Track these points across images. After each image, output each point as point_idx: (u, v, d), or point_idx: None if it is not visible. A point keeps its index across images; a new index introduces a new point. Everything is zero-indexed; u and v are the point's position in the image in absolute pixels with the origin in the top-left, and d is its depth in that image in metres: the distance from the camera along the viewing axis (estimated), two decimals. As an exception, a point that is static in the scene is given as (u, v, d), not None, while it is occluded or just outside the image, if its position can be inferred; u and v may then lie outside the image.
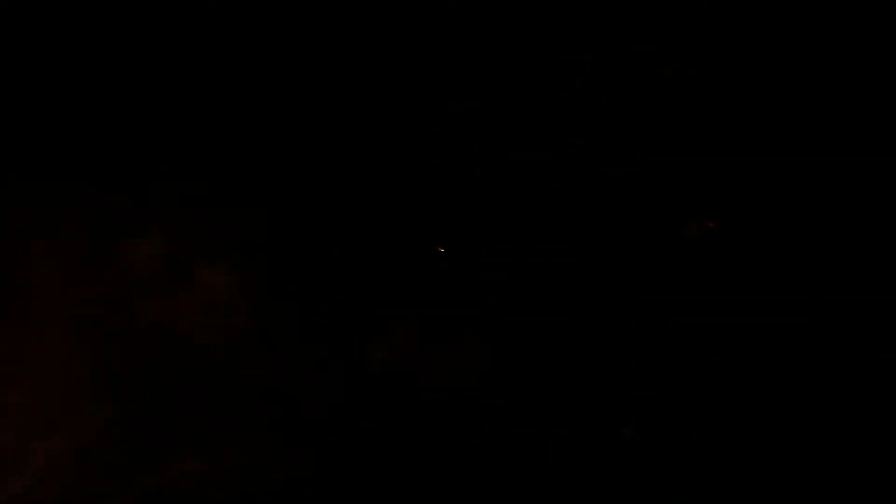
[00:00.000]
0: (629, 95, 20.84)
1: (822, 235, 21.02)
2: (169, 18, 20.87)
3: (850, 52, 20.59)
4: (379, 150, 22.26)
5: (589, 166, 21.98)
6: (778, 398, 19.92)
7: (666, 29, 20.53)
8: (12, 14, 20.05)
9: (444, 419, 22.70)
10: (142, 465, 22.07)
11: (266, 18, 21.69)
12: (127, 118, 22.07)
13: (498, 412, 22.40)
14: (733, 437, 20.77)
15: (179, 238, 23.06)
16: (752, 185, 22.12)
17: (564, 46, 21.03)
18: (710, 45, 20.59)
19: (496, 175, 22.52)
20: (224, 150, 22.60)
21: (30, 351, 22.16)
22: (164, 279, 22.47)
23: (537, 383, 22.20)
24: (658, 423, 21.43)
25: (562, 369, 21.98)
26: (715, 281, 21.14)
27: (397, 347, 22.46)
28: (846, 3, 19.59)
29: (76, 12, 20.51)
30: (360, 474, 23.08)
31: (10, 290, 21.50)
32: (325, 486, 23.13)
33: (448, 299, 22.65)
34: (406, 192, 22.73)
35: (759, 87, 21.70)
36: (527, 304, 22.51)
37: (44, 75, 21.41)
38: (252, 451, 22.60)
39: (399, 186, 22.39)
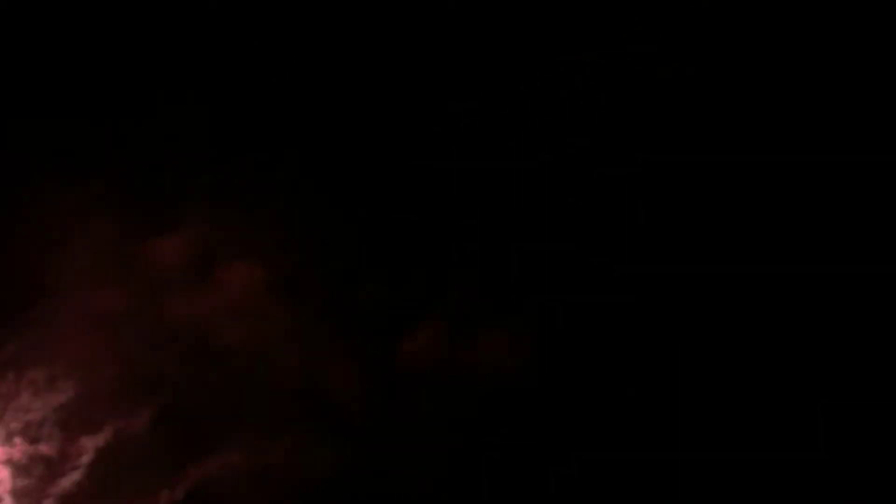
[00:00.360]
0: (629, 95, 20.66)
1: (821, 234, 20.57)
2: (190, 21, 21.11)
3: (848, 53, 20.08)
4: (402, 147, 22.19)
5: (592, 164, 21.70)
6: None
7: (666, 29, 20.34)
8: (43, 25, 20.53)
9: (475, 410, 22.51)
10: (184, 459, 22.20)
11: (294, 19, 21.67)
12: (155, 121, 22.31)
13: (529, 402, 22.28)
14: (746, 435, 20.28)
15: (209, 237, 23.12)
16: (752, 184, 21.61)
17: (564, 46, 20.90)
18: (710, 44, 20.34)
19: (513, 171, 22.12)
20: (250, 150, 22.65)
21: (70, 351, 22.45)
22: (194, 277, 22.58)
23: (566, 373, 22.10)
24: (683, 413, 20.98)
25: (591, 359, 21.86)
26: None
27: (428, 339, 22.35)
28: (844, 4, 19.14)
29: (107, 21, 20.83)
30: (395, 465, 23.03)
31: (47, 293, 21.84)
32: (361, 476, 23.01)
33: (477, 291, 22.64)
34: (432, 189, 22.60)
35: (757, 87, 21.28)
36: (555, 294, 22.39)
37: (73, 81, 21.78)
38: (289, 444, 22.57)
39: (424, 183, 22.31)
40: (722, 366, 22.91)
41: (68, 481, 24.21)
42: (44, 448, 23.09)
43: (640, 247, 22.93)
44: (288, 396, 23.63)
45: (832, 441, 21.81)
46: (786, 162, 22.38)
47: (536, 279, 23.77)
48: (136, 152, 24.37)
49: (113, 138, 24.28)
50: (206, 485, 24.48)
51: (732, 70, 21.79)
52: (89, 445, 24.03)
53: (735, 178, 22.66)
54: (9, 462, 23.04)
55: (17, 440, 23.17)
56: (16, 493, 22.91)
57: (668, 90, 21.80)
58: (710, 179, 22.65)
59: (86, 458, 24.05)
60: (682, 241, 23.11)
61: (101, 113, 24.03)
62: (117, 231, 24.49)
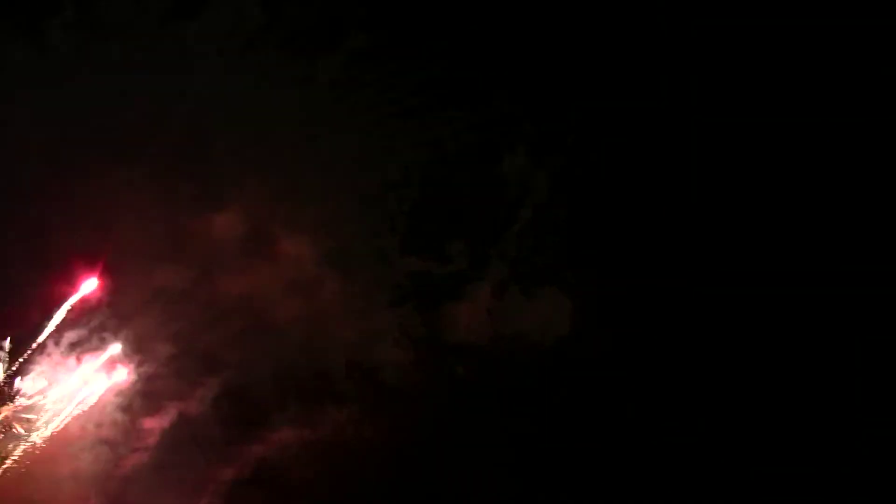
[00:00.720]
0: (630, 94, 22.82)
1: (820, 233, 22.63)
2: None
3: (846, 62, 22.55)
4: (447, 122, 23.46)
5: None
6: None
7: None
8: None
9: (523, 374, 23.96)
10: (242, 435, 22.99)
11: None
12: (203, 102, 22.98)
13: (577, 365, 23.89)
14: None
15: (261, 213, 23.93)
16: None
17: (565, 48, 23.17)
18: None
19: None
20: (300, 125, 23.61)
21: (130, 333, 22.89)
22: (248, 254, 23.43)
23: (613, 335, 23.80)
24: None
25: (636, 324, 23.64)
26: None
27: (472, 309, 23.82)
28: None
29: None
30: (448, 437, 24.21)
31: (105, 276, 22.24)
32: (413, 445, 23.99)
33: (523, 255, 24.11)
34: (476, 161, 24.13)
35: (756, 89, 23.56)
36: (602, 258, 24.05)
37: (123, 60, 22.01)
38: (343, 416, 23.61)
39: (469, 156, 23.86)
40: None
41: (132, 462, 23.76)
42: (107, 430, 23.74)
43: (677, 218, 23.86)
44: (341, 369, 24.41)
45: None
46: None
47: (575, 250, 24.27)
48: (186, 130, 24.00)
49: (161, 116, 23.92)
50: (264, 459, 24.18)
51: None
52: (151, 426, 23.83)
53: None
54: (74, 445, 23.63)
55: (81, 423, 23.70)
56: (81, 475, 23.61)
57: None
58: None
59: (149, 439, 23.76)
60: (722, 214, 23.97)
61: (152, 91, 23.78)
62: (170, 210, 24.14)
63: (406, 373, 24.11)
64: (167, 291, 24.27)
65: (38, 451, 22.77)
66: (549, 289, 23.74)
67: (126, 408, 24.03)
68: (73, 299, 23.37)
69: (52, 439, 23.04)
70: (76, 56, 23.77)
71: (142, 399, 23.90)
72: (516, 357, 24.10)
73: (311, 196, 24.18)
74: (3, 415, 23.06)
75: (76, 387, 23.34)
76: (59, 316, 22.82)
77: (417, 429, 23.92)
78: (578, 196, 23.71)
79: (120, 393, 24.21)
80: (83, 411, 23.34)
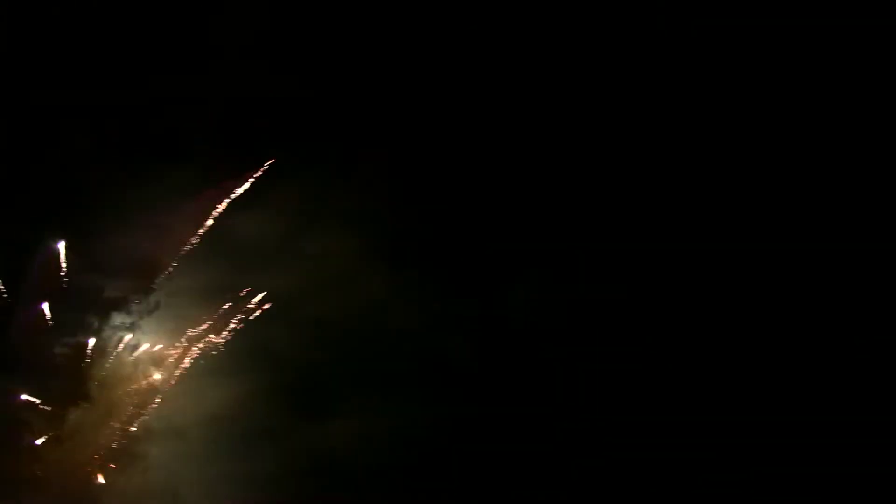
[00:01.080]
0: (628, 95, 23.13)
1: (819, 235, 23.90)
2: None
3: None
4: (492, 110, 24.35)
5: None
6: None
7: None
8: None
9: (583, 356, 24.02)
10: (294, 427, 23.64)
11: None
12: (242, 96, 24.10)
13: (634, 345, 24.11)
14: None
15: (306, 207, 24.56)
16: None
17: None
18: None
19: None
20: (340, 119, 25.03)
21: (180, 327, 24.11)
22: (295, 248, 24.06)
23: (668, 316, 23.84)
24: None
25: (693, 304, 23.85)
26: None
27: (533, 289, 23.66)
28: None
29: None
30: (506, 417, 24.19)
31: (154, 274, 24.38)
32: (474, 430, 24.33)
33: (578, 240, 24.01)
34: (528, 148, 24.47)
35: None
36: (650, 242, 24.13)
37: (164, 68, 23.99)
38: (402, 404, 23.62)
39: (519, 141, 24.49)
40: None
41: (180, 446, 24.60)
42: (158, 423, 24.63)
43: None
44: (396, 361, 24.64)
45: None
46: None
47: (632, 229, 24.23)
48: (225, 130, 24.67)
49: (201, 118, 24.41)
50: (323, 449, 24.37)
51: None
52: (202, 417, 24.50)
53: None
54: (126, 436, 24.61)
55: (133, 416, 24.68)
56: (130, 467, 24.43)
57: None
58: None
59: (199, 431, 24.55)
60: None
61: (188, 97, 24.22)
62: (214, 208, 24.55)
63: (464, 357, 24.29)
64: (216, 287, 24.43)
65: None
66: (604, 269, 23.71)
67: (177, 398, 24.37)
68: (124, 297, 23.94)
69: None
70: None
71: (193, 391, 24.58)
72: (572, 335, 23.94)
73: (358, 188, 24.44)
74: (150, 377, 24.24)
75: (127, 382, 24.24)
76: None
77: (479, 411, 24.14)
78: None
79: (171, 385, 24.56)
80: (134, 404, 24.42)
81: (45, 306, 23.80)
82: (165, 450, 24.23)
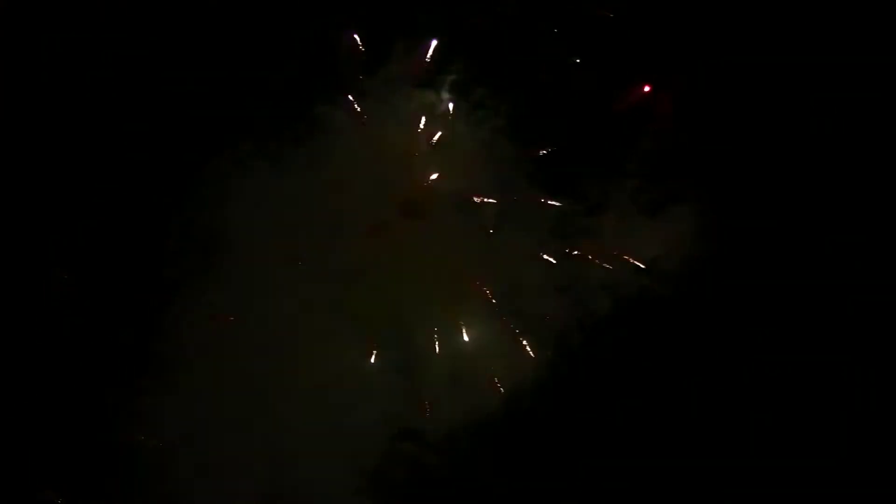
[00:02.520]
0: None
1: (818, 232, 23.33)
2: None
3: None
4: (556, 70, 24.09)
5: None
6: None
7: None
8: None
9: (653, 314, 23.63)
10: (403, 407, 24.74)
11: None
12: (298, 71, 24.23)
13: (704, 286, 23.40)
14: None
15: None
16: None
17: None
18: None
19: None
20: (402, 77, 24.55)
21: (260, 319, 23.63)
22: (363, 220, 24.20)
23: (745, 252, 23.25)
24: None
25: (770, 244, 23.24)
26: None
27: (599, 244, 23.68)
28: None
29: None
30: (583, 377, 23.90)
31: (221, 252, 23.88)
32: (556, 390, 23.98)
33: (653, 176, 23.69)
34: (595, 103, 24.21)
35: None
36: (732, 179, 23.59)
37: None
38: (486, 366, 24.06)
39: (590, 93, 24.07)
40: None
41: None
42: None
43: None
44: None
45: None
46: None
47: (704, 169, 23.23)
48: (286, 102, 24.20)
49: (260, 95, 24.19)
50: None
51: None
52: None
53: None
54: None
55: None
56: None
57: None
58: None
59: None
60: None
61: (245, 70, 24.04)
62: (276, 184, 24.13)
63: (545, 316, 23.62)
64: (287, 265, 23.70)
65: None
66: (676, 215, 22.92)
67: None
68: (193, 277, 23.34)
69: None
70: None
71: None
72: (651, 290, 23.15)
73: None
74: None
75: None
76: None
77: (559, 370, 23.39)
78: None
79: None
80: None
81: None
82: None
